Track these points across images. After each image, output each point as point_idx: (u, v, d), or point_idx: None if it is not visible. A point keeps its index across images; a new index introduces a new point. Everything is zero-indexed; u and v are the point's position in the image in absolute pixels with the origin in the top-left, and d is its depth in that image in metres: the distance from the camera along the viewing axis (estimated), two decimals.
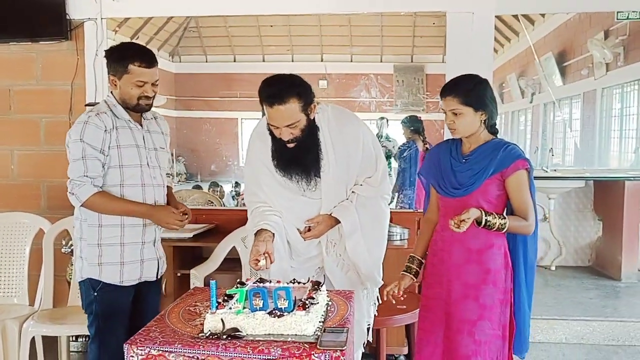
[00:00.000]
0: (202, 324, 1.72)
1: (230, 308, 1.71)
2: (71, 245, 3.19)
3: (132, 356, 1.62)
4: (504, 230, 2.10)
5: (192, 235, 3.43)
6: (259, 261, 2.07)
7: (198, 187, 5.14)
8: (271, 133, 2.19)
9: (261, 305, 1.70)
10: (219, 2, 3.64)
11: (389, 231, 3.38)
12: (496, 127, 2.25)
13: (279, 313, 1.67)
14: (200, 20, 3.83)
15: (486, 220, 2.07)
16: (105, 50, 2.40)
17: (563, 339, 3.79)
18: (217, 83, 4.89)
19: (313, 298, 1.80)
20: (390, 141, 4.38)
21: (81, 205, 2.26)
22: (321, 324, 1.74)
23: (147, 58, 2.31)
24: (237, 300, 1.74)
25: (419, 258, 2.37)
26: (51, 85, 3.79)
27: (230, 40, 4.30)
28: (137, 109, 2.34)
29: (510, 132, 7.07)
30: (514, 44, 6.24)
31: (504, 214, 2.17)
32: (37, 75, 3.81)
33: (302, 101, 2.09)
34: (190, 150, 4.84)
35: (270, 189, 2.28)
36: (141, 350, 1.62)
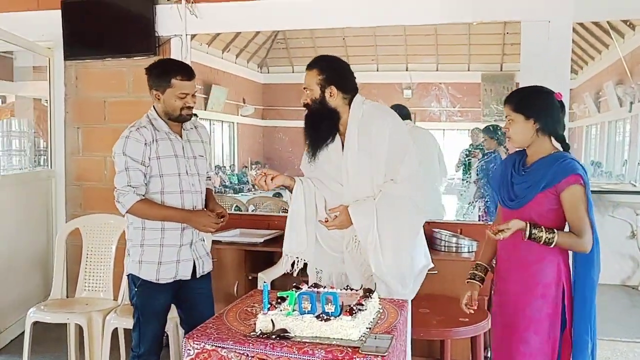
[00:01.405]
0: (255, 324, 1.82)
1: (281, 310, 1.80)
2: None
3: (188, 349, 1.75)
4: (552, 244, 2.05)
5: (262, 241, 3.57)
6: (260, 175, 2.36)
7: (279, 195, 5.31)
8: None
9: (309, 309, 1.77)
10: (300, 17, 3.79)
11: (456, 243, 3.40)
12: (566, 142, 2.20)
13: (325, 317, 1.73)
14: (288, 32, 3.98)
15: (531, 232, 2.05)
16: (146, 68, 2.56)
17: None
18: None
19: (362, 304, 1.85)
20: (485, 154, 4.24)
21: (126, 212, 2.46)
22: (368, 330, 1.79)
23: (187, 72, 2.50)
24: (287, 303, 1.83)
25: (485, 265, 2.38)
26: (140, 97, 4.09)
27: (316, 51, 4.41)
28: (180, 119, 2.52)
29: (607, 143, 6.70)
30: (612, 51, 5.93)
31: (558, 229, 2.10)
32: (128, 88, 4.13)
33: (322, 75, 2.34)
34: (278, 157, 5.01)
35: (305, 164, 2.52)
36: (197, 344, 1.75)
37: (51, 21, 4.10)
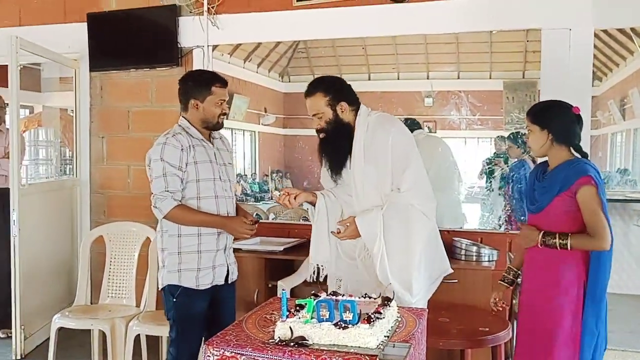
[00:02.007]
0: (274, 331, 1.83)
1: (300, 318, 1.82)
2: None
3: (208, 356, 1.78)
4: (568, 248, 2.20)
5: (282, 249, 3.59)
6: (283, 195, 2.44)
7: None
8: None
9: (327, 317, 1.78)
10: (321, 27, 3.83)
11: (477, 251, 3.38)
12: (583, 150, 2.33)
13: (343, 325, 1.74)
14: (309, 42, 4.02)
15: (543, 241, 2.23)
16: (183, 79, 2.64)
17: None
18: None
19: (380, 313, 1.85)
20: (507, 163, 4.20)
21: (163, 217, 2.48)
22: (387, 338, 1.79)
23: (223, 80, 2.61)
24: (306, 311, 1.84)
25: (515, 270, 2.54)
26: (163, 107, 4.17)
27: (337, 59, 4.44)
28: (218, 126, 2.61)
29: (633, 151, 6.58)
30: (636, 57, 5.84)
31: (576, 231, 2.23)
32: (152, 98, 4.21)
33: (328, 96, 2.42)
34: (299, 166, 5.03)
35: (325, 178, 2.58)
36: (217, 351, 1.77)
37: (77, 33, 4.22)
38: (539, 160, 2.54)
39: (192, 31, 4.04)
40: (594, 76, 3.52)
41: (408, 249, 2.39)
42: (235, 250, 3.53)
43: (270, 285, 3.59)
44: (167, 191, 2.46)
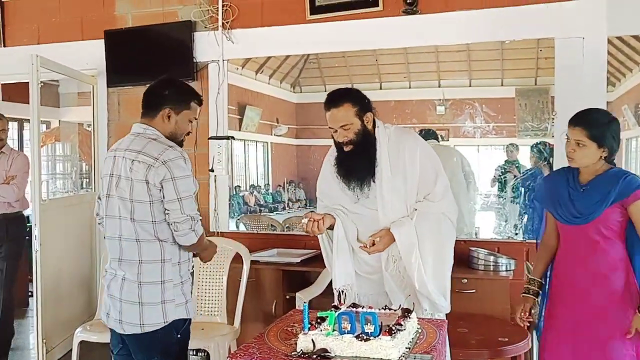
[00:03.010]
0: (296, 344, 1.85)
1: (321, 330, 1.84)
2: None
3: None
4: None
5: (299, 260, 3.61)
6: (310, 222, 2.33)
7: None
8: (334, 141, 2.42)
9: (349, 329, 1.80)
10: (333, 40, 3.88)
11: (494, 261, 3.38)
12: (614, 159, 2.32)
13: (365, 337, 1.76)
14: (320, 53, 4.07)
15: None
16: (162, 84, 2.36)
17: None
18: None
19: (401, 324, 1.87)
20: (521, 171, 4.16)
21: (194, 244, 2.25)
22: (408, 349, 1.81)
23: (200, 97, 2.41)
24: (327, 323, 1.86)
25: (539, 280, 2.49)
26: None
27: (349, 69, 4.46)
28: (181, 143, 2.36)
29: None
30: None
31: (619, 238, 2.25)
32: None
33: (356, 107, 2.35)
34: (312, 177, 5.04)
35: (334, 192, 2.48)
36: None
37: (95, 50, 4.30)
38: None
39: (207, 46, 4.10)
40: (608, 82, 3.52)
41: (442, 255, 2.41)
42: (253, 262, 3.59)
43: (287, 297, 3.61)
44: (197, 213, 2.27)
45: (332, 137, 2.44)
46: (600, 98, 3.37)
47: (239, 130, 4.32)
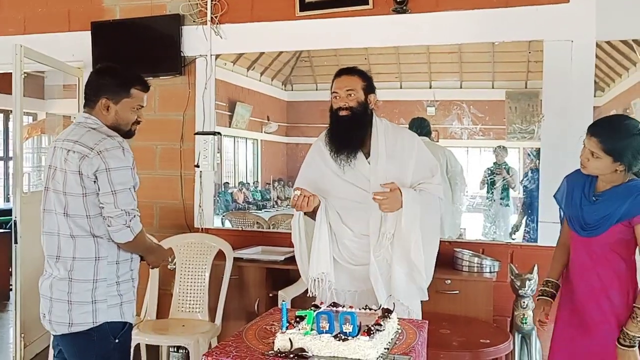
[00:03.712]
0: (274, 343, 1.82)
1: (299, 329, 1.81)
2: (175, 262, 3.46)
3: None
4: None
5: (283, 258, 3.58)
6: (301, 195, 2.30)
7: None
8: (330, 111, 2.44)
9: (327, 328, 1.77)
10: (324, 38, 3.85)
11: (479, 263, 3.37)
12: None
13: (343, 337, 1.73)
14: (312, 50, 4.04)
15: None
16: (99, 72, 2.25)
17: None
18: (326, 110, 5.02)
19: (380, 325, 1.85)
20: (510, 173, 4.12)
21: (129, 242, 2.09)
22: (386, 350, 1.79)
23: (145, 82, 2.25)
24: (306, 322, 1.84)
25: (555, 281, 2.41)
26: (166, 116, 4.18)
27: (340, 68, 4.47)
28: (129, 134, 2.24)
29: None
30: (639, 68, 5.84)
31: (626, 257, 2.18)
32: (155, 107, 4.22)
33: (365, 82, 2.42)
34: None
35: (318, 173, 2.47)
36: None
37: (81, 42, 4.24)
38: None
39: (195, 40, 4.06)
40: (597, 87, 3.52)
41: (436, 233, 2.47)
42: (237, 259, 3.56)
43: (271, 295, 3.59)
44: (134, 209, 2.11)
45: (331, 106, 2.45)
46: (588, 102, 3.38)
47: (229, 126, 4.28)
